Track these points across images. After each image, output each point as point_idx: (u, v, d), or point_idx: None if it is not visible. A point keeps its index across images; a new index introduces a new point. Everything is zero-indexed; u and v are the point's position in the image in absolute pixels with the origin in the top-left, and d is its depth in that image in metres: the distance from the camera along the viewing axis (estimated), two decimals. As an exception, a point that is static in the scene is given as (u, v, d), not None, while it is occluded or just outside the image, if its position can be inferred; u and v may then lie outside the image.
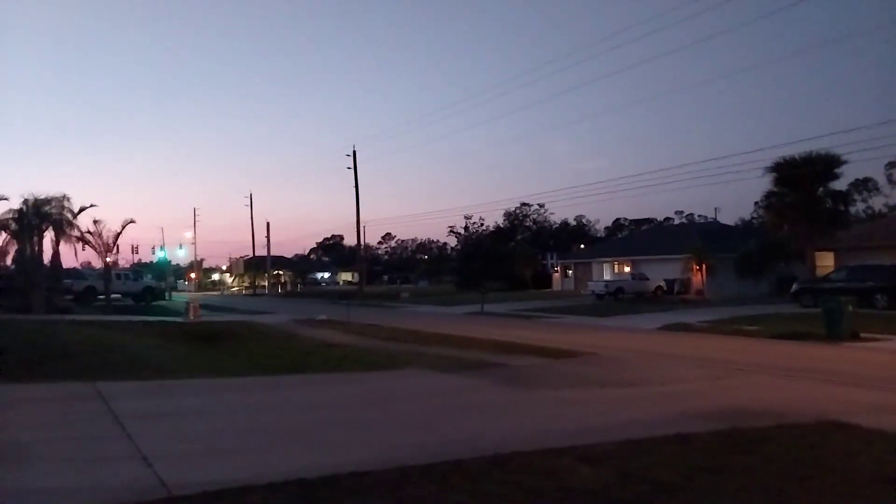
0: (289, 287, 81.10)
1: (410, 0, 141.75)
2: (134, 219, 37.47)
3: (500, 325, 24.49)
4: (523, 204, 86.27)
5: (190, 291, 73.09)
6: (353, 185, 52.07)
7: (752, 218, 71.13)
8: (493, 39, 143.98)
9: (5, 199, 30.58)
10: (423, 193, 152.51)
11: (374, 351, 15.79)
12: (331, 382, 11.64)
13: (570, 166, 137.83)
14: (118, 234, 35.11)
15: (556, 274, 58.15)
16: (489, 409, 9.03)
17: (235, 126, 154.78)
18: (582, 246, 72.65)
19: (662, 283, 40.38)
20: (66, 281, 36.52)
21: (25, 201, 30.50)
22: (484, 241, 70.60)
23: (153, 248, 78.09)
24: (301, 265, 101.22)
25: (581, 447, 6.35)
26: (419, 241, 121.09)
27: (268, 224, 74.96)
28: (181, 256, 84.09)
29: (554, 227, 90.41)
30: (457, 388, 10.79)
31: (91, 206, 33.55)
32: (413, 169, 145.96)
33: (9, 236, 30.84)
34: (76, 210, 32.31)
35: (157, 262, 70.82)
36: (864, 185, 61.34)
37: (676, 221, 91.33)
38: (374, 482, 5.29)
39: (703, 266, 38.22)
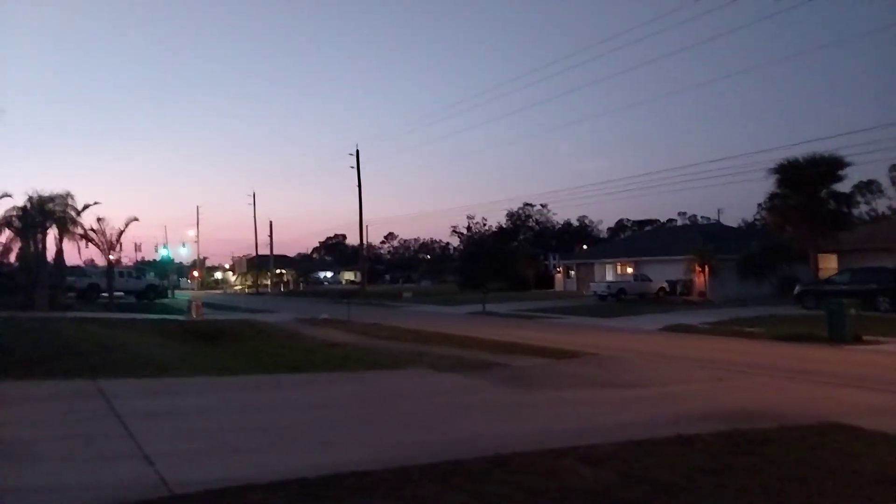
0: (291, 286, 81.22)
1: (412, 2, 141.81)
2: (137, 217, 37.46)
3: (502, 325, 24.50)
4: (526, 204, 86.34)
5: (193, 290, 73.24)
6: (356, 184, 52.18)
7: (755, 219, 70.97)
8: (495, 40, 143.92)
9: (9, 196, 30.70)
10: (426, 193, 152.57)
11: (375, 350, 15.80)
12: (332, 382, 11.65)
13: (573, 167, 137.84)
14: (121, 232, 35.19)
15: (559, 274, 58.13)
16: (490, 410, 9.03)
17: (239, 125, 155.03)
18: (584, 246, 72.60)
19: (665, 285, 40.35)
20: (69, 278, 36.61)
21: (30, 199, 30.60)
22: (486, 241, 70.44)
23: (156, 246, 78.12)
24: (304, 264, 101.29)
25: (582, 448, 6.35)
26: (422, 241, 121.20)
27: (270, 223, 75.29)
28: (184, 255, 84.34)
29: (556, 227, 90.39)
30: (458, 387, 10.79)
31: (94, 203, 33.70)
32: (416, 168, 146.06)
33: (13, 234, 30.93)
34: (80, 208, 32.41)
35: (160, 261, 70.89)
36: (868, 188, 61.18)
37: (679, 223, 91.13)
38: (376, 482, 5.30)
39: (706, 267, 38.18)
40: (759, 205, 55.55)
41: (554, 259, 65.75)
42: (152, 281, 46.74)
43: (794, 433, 7.16)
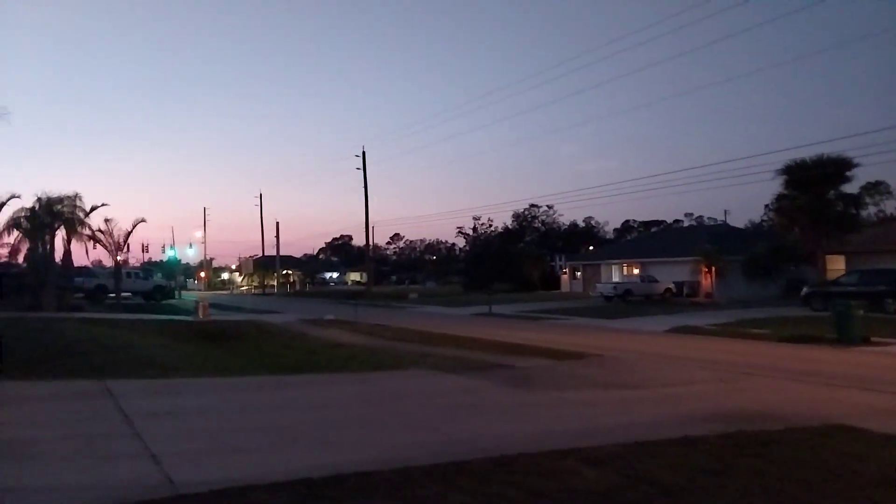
0: (297, 287, 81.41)
1: (418, 3, 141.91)
2: (144, 218, 37.71)
3: (507, 326, 24.49)
4: (532, 205, 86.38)
5: (199, 290, 73.47)
6: (363, 185, 52.24)
7: (762, 221, 70.68)
8: (500, 41, 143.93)
9: (17, 197, 30.89)
10: (432, 194, 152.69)
11: (380, 351, 15.83)
12: (337, 382, 11.68)
13: (579, 168, 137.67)
14: (129, 233, 35.40)
15: (565, 275, 58.03)
16: (494, 410, 9.04)
17: (246, 127, 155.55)
18: (591, 247, 72.54)
19: (671, 286, 40.23)
20: (77, 279, 36.82)
21: (38, 200, 30.80)
22: (492, 242, 70.51)
23: (163, 247, 78.58)
24: (310, 265, 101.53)
25: (586, 449, 6.35)
26: (427, 242, 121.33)
27: (277, 224, 75.28)
28: (191, 256, 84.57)
29: (562, 228, 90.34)
30: (462, 388, 10.80)
31: (102, 205, 33.84)
32: (422, 170, 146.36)
33: (21, 234, 31.11)
34: (88, 209, 32.61)
35: (167, 261, 71.17)
36: (876, 189, 60.73)
37: (686, 224, 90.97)
38: (379, 482, 5.31)
39: (713, 269, 38.06)
40: (767, 206, 55.39)
41: (560, 260, 65.75)
42: (160, 282, 46.92)
43: (798, 435, 7.14)
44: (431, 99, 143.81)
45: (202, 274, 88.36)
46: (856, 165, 29.87)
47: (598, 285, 43.22)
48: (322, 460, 5.99)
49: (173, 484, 5.25)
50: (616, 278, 45.91)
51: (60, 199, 31.20)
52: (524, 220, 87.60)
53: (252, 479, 5.29)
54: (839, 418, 7.96)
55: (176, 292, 51.72)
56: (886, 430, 7.29)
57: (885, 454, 6.41)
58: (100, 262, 46.09)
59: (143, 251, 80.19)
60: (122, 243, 35.48)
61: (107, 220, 34.48)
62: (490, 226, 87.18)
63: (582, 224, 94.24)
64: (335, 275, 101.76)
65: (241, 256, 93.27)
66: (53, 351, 13.69)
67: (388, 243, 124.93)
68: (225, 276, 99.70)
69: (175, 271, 64.11)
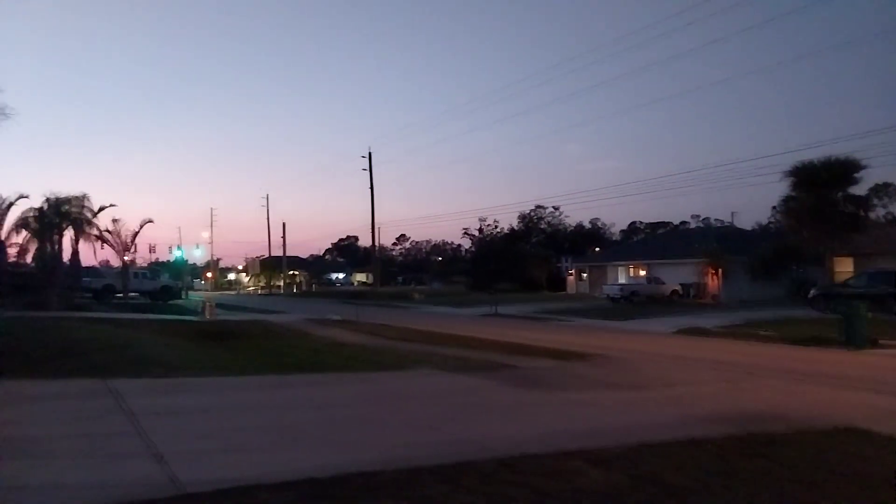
0: (304, 287, 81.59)
1: (425, 4, 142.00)
2: (152, 218, 37.91)
3: (513, 326, 24.46)
4: (538, 206, 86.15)
5: (206, 291, 73.79)
6: (369, 186, 52.30)
7: (770, 222, 70.37)
8: (506, 42, 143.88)
9: (25, 197, 31.09)
10: (438, 195, 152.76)
11: (385, 351, 15.83)
12: (342, 382, 11.68)
13: (585, 169, 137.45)
14: (136, 234, 35.66)
15: (571, 277, 57.92)
16: (500, 410, 9.02)
17: (252, 128, 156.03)
18: (597, 249, 72.33)
19: (678, 287, 40.10)
20: (84, 279, 37.01)
21: (46, 200, 31.01)
22: (498, 243, 70.35)
23: (170, 247, 78.58)
24: (316, 265, 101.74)
25: (592, 450, 6.33)
26: (433, 243, 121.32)
27: (283, 224, 75.52)
28: (198, 256, 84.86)
29: (569, 229, 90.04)
30: (467, 388, 10.79)
31: (110, 205, 34.12)
32: (428, 171, 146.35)
33: (29, 234, 31.32)
34: (95, 209, 32.84)
35: (174, 262, 71.33)
36: (884, 190, 60.41)
37: (693, 225, 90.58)
38: (384, 482, 5.31)
39: (719, 270, 37.93)
40: (774, 207, 55.09)
41: (566, 261, 65.54)
42: (167, 282, 47.08)
43: (805, 436, 7.10)
44: (437, 99, 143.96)
45: (209, 274, 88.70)
46: (864, 167, 29.70)
47: (604, 287, 43.13)
48: (327, 460, 5.99)
49: (178, 483, 5.26)
50: (622, 280, 45.80)
51: (68, 200, 31.41)
52: (530, 221, 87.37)
53: (257, 478, 5.30)
54: (846, 420, 7.91)
55: (183, 292, 51.87)
56: (894, 433, 7.24)
57: (892, 456, 6.37)
58: (107, 262, 46.37)
59: (150, 251, 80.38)
60: (130, 243, 35.75)
61: (114, 221, 34.77)
62: (496, 227, 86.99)
63: (588, 225, 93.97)
64: (341, 275, 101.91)
65: (248, 257, 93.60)
66: (60, 350, 13.74)
67: (395, 244, 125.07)
68: (231, 276, 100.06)
69: (182, 271, 64.27)
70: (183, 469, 5.60)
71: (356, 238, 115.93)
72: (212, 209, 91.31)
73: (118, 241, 34.70)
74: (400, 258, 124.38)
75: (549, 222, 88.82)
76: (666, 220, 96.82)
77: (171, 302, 41.89)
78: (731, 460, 6.12)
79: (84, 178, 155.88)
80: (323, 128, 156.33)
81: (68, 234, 31.95)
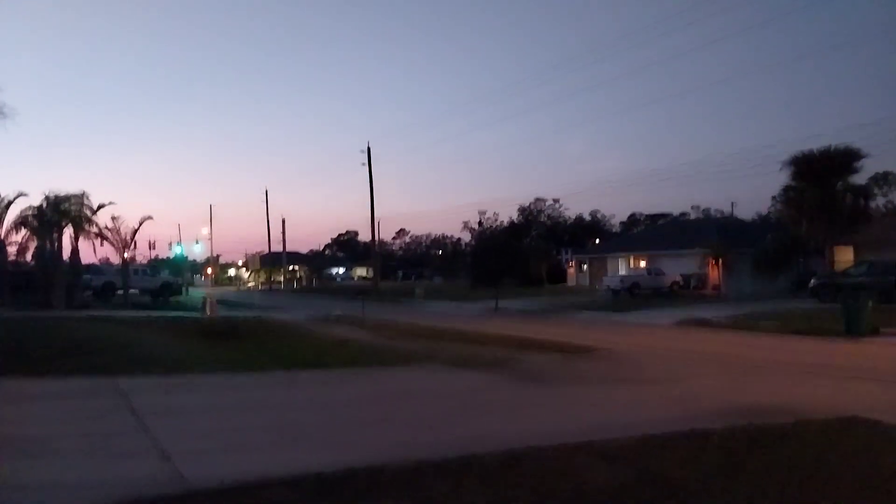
0: (304, 283, 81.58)
1: (425, 0, 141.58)
2: (151, 215, 37.81)
3: (515, 321, 24.47)
4: (538, 199, 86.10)
5: (206, 287, 73.74)
6: (368, 181, 52.22)
7: (770, 213, 70.25)
8: (505, 37, 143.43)
9: (25, 195, 31.05)
10: (438, 189, 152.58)
11: (388, 347, 15.83)
12: (346, 379, 11.69)
13: (585, 161, 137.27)
14: (136, 231, 35.49)
15: (571, 269, 57.91)
16: (504, 406, 9.02)
17: (251, 124, 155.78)
18: (597, 241, 72.25)
19: (678, 279, 40.05)
20: (84, 277, 36.95)
21: (46, 198, 30.95)
22: (498, 237, 70.31)
23: (170, 244, 78.74)
24: (316, 261, 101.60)
25: (596, 444, 6.33)
26: (433, 237, 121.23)
27: (283, 220, 75.43)
28: (198, 252, 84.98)
29: (569, 222, 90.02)
30: (471, 384, 10.79)
31: (109, 203, 34.08)
32: (427, 165, 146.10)
33: (29, 233, 31.27)
34: (95, 207, 32.75)
35: (173, 258, 71.44)
36: (885, 179, 60.29)
37: (693, 216, 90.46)
38: (390, 478, 5.31)
39: (720, 261, 37.90)
40: (774, 198, 54.94)
41: (566, 254, 65.58)
42: (167, 279, 47.06)
43: (811, 428, 7.09)
44: (436, 94, 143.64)
45: (209, 270, 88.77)
46: (864, 156, 29.66)
47: (604, 279, 43.10)
48: (332, 457, 5.99)
49: (184, 480, 5.26)
50: (623, 272, 45.76)
51: (68, 198, 31.36)
52: (530, 214, 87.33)
53: (263, 475, 5.29)
54: (850, 411, 7.90)
55: (183, 289, 51.88)
56: (899, 423, 7.23)
57: (898, 447, 6.36)
58: (107, 259, 46.27)
59: (150, 248, 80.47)
60: (130, 241, 35.59)
61: (114, 218, 34.62)
62: (496, 220, 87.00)
63: (588, 217, 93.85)
64: (341, 270, 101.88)
65: (248, 253, 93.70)
66: (63, 348, 13.74)
67: (394, 238, 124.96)
68: (232, 272, 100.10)
69: (182, 268, 64.35)
70: (188, 467, 5.60)
71: (356, 233, 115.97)
72: (211, 205, 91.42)
73: (118, 238, 34.59)
74: (400, 252, 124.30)
75: (548, 215, 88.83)
76: (666, 212, 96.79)
77: (171, 299, 41.88)
78: (736, 453, 6.10)
79: (83, 175, 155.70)
80: (322, 123, 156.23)
81: (68, 232, 31.91)
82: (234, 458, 6.09)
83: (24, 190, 32.80)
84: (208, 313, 27.88)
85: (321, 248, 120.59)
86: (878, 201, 57.91)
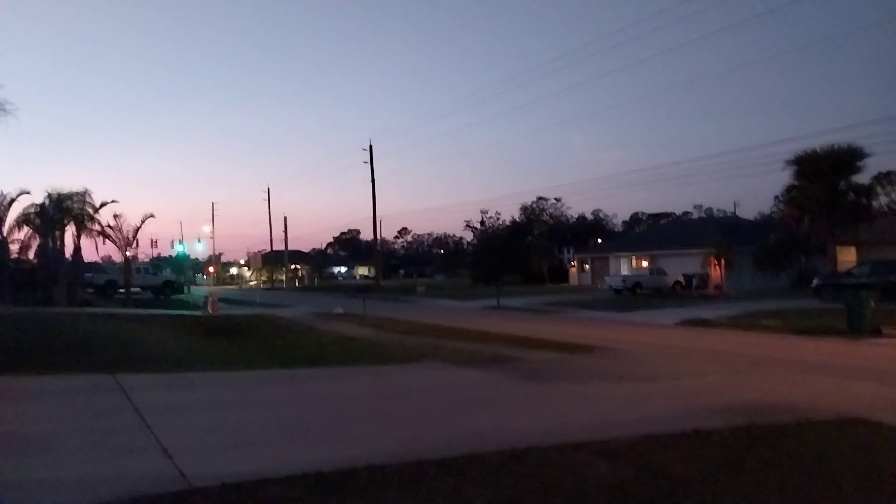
0: (306, 281, 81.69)
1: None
2: (153, 213, 37.98)
3: (517, 319, 24.47)
4: (540, 198, 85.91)
5: (208, 285, 73.88)
6: (370, 179, 52.26)
7: (772, 212, 70.12)
8: (507, 34, 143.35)
9: (27, 193, 31.12)
10: (440, 188, 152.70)
11: (390, 344, 15.83)
12: (348, 376, 11.69)
13: (588, 160, 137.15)
14: (138, 229, 35.59)
15: (573, 268, 57.89)
16: (506, 403, 9.02)
17: (253, 122, 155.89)
18: (599, 240, 72.21)
19: (681, 278, 40.02)
20: (87, 274, 37.06)
21: (48, 196, 31.03)
22: (500, 236, 70.24)
23: (172, 242, 78.72)
24: (318, 259, 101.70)
25: (598, 442, 6.32)
26: (435, 236, 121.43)
27: (285, 218, 75.37)
28: (200, 251, 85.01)
29: (571, 221, 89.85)
30: (473, 381, 10.78)
31: (112, 201, 34.21)
32: (429, 163, 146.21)
33: (31, 230, 31.35)
34: (97, 205, 32.86)
35: (175, 257, 71.46)
36: (888, 179, 60.15)
37: (695, 216, 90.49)
38: (391, 475, 5.30)
39: (722, 261, 37.85)
40: (776, 197, 54.86)
41: (568, 253, 65.54)
42: (169, 277, 47.18)
43: (812, 427, 7.08)
44: (438, 92, 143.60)
45: (211, 269, 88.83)
46: (867, 155, 29.59)
47: (606, 278, 43.08)
48: (334, 454, 5.99)
49: (185, 477, 5.26)
50: (625, 271, 45.75)
51: (70, 196, 31.44)
52: (532, 213, 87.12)
53: (264, 472, 5.29)
54: (852, 410, 7.89)
55: (185, 287, 51.96)
56: (901, 423, 7.21)
57: (900, 446, 6.34)
58: (109, 257, 46.44)
59: (152, 246, 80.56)
60: (132, 239, 35.69)
61: (116, 216, 34.74)
62: (498, 219, 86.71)
63: (590, 217, 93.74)
64: (343, 269, 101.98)
65: (250, 251, 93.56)
66: (65, 346, 13.77)
67: (396, 237, 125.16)
68: (234, 270, 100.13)
69: (184, 266, 64.39)
70: (189, 464, 5.60)
71: (358, 231, 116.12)
72: (213, 204, 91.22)
73: (120, 236, 34.69)
74: (402, 251, 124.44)
75: (551, 214, 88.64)
76: (668, 211, 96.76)
77: (173, 297, 42.00)
78: (738, 452, 6.10)
79: (86, 173, 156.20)
80: (324, 121, 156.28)
81: (70, 230, 32.01)
82: (235, 455, 6.08)
83: (27, 187, 33.06)
84: (210, 311, 27.95)
85: (323, 246, 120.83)
86: (881, 200, 57.78)
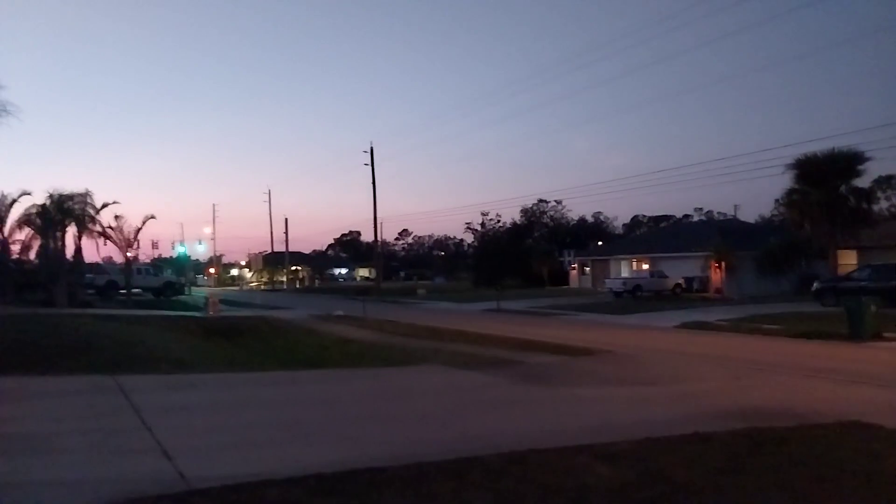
0: (306, 283, 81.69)
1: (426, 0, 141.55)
2: (154, 215, 37.95)
3: (517, 322, 24.45)
4: (540, 200, 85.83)
5: (209, 286, 73.88)
6: (371, 181, 52.21)
7: (773, 215, 70.15)
8: (509, 37, 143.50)
9: (28, 194, 31.16)
10: (440, 190, 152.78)
11: (390, 347, 15.83)
12: (348, 378, 11.69)
13: (589, 163, 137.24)
14: (139, 230, 35.61)
15: (574, 271, 57.86)
16: (506, 407, 9.01)
17: (254, 124, 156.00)
18: (599, 243, 72.16)
19: (681, 281, 39.99)
20: (87, 275, 37.08)
21: (49, 197, 31.06)
22: (500, 238, 70.26)
23: (173, 243, 78.76)
24: (319, 261, 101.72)
25: (599, 445, 6.31)
26: (436, 238, 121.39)
27: (286, 220, 75.41)
28: (200, 252, 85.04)
29: (571, 223, 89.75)
30: (473, 384, 10.78)
31: (113, 202, 34.31)
32: (430, 166, 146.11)
33: (33, 231, 31.38)
34: (98, 206, 32.90)
35: (176, 258, 71.51)
36: (888, 183, 60.14)
37: (696, 219, 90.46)
38: (391, 477, 5.30)
39: (723, 264, 37.83)
40: (777, 201, 54.86)
41: (569, 256, 65.47)
42: (170, 278, 47.17)
43: (813, 432, 7.07)
44: (439, 94, 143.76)
45: (212, 270, 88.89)
46: (868, 159, 29.57)
47: (606, 281, 43.04)
48: (334, 456, 5.99)
49: (185, 479, 5.26)
50: (625, 274, 45.72)
51: (71, 197, 31.48)
52: (532, 216, 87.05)
53: (264, 474, 5.29)
54: (853, 415, 7.88)
55: (186, 288, 51.96)
56: (902, 427, 7.20)
57: (901, 451, 6.33)
58: (110, 258, 46.43)
59: (152, 248, 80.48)
60: (133, 240, 35.70)
61: (117, 217, 34.77)
62: (498, 221, 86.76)
63: (591, 219, 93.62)
64: (344, 271, 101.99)
65: (251, 252, 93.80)
66: (65, 347, 13.77)
67: (397, 239, 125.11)
68: (234, 272, 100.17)
69: (185, 267, 64.44)
70: (190, 465, 5.60)
71: (358, 233, 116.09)
72: (214, 205, 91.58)
73: (121, 237, 34.71)
74: (402, 253, 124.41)
75: (551, 216, 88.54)
76: (669, 214, 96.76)
77: (174, 298, 41.98)
78: (739, 456, 6.09)
79: (86, 174, 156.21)
80: (325, 123, 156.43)
81: (71, 231, 32.04)
82: (236, 456, 6.09)
83: (28, 188, 33.09)
84: (211, 312, 27.95)
85: (324, 248, 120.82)
86: (882, 205, 57.82)
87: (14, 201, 30.81)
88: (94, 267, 39.61)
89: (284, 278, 76.79)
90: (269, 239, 76.22)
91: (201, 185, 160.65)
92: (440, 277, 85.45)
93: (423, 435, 7.18)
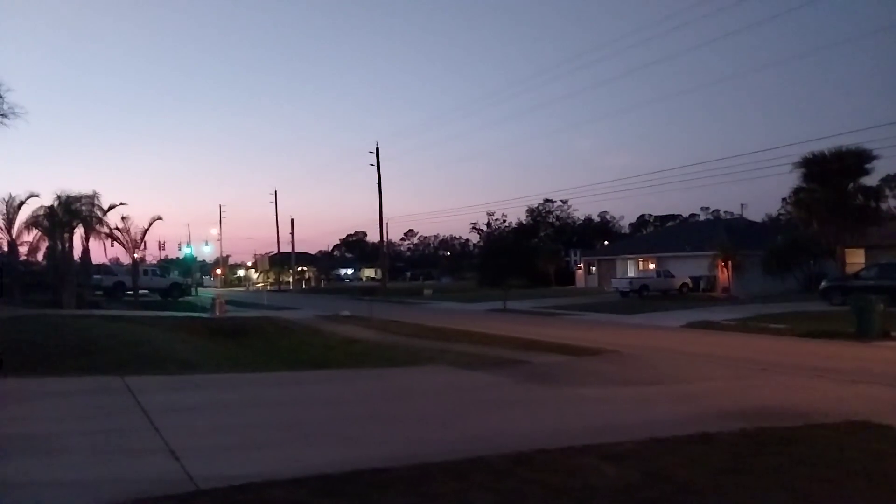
0: (313, 283, 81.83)
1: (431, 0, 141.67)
2: (161, 216, 37.99)
3: (523, 322, 24.43)
4: (546, 200, 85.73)
5: (216, 287, 74.11)
6: (376, 182, 52.29)
7: (780, 214, 69.83)
8: (514, 37, 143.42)
9: (36, 195, 31.35)
10: (446, 190, 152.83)
11: (396, 347, 15.85)
12: (354, 378, 11.71)
13: (594, 162, 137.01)
14: (145, 231, 35.75)
15: (580, 271, 57.79)
16: (512, 407, 9.01)
17: (261, 124, 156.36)
18: (606, 242, 72.03)
19: (688, 281, 39.88)
20: (95, 277, 37.25)
21: (57, 198, 31.25)
22: (506, 238, 70.18)
23: (180, 244, 78.98)
24: (325, 261, 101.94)
25: (604, 445, 6.31)
26: (441, 238, 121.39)
27: (292, 221, 76.02)
28: (207, 253, 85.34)
29: (577, 223, 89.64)
30: (479, 384, 10.78)
31: (120, 203, 34.32)
32: (435, 166, 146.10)
33: (40, 233, 31.57)
34: (105, 207, 33.05)
35: (183, 259, 71.74)
36: (896, 181, 59.79)
37: (702, 218, 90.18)
38: (396, 478, 5.31)
39: (730, 263, 37.71)
40: (784, 199, 54.65)
41: (575, 255, 65.38)
42: (176, 279, 47.34)
43: (819, 432, 7.04)
44: (445, 95, 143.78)
45: (218, 271, 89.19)
46: (875, 157, 29.41)
47: (613, 280, 42.98)
48: (339, 456, 6.00)
49: (192, 479, 5.28)
50: (632, 273, 45.63)
51: (79, 198, 31.64)
52: (538, 215, 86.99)
53: (270, 474, 5.31)
54: (860, 415, 7.85)
55: (192, 289, 52.13)
56: (909, 427, 7.17)
57: (908, 451, 6.30)
58: (117, 259, 46.60)
59: (159, 249, 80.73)
60: (139, 241, 35.85)
61: (124, 218, 34.90)
62: (504, 221, 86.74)
63: (597, 219, 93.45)
64: (350, 271, 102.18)
65: (257, 253, 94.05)
66: (73, 347, 13.84)
67: (403, 239, 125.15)
68: (241, 272, 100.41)
69: (191, 268, 64.61)
70: (196, 465, 5.62)
71: (364, 234, 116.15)
72: (220, 206, 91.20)
73: (128, 238, 34.85)
74: (408, 253, 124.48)
75: (557, 216, 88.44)
76: (675, 213, 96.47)
77: (181, 299, 42.11)
78: (744, 456, 6.07)
79: (94, 176, 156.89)
80: (331, 124, 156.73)
81: (79, 233, 32.21)
82: (242, 457, 6.11)
83: (35, 190, 33.19)
84: (217, 313, 28.04)
85: (330, 248, 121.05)
86: (890, 203, 57.46)
87: (22, 203, 31.04)
88: (102, 268, 39.78)
89: (291, 279, 76.97)
90: (276, 240, 76.49)
91: (207, 187, 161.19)
92: (446, 277, 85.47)
93: (427, 435, 7.19)
